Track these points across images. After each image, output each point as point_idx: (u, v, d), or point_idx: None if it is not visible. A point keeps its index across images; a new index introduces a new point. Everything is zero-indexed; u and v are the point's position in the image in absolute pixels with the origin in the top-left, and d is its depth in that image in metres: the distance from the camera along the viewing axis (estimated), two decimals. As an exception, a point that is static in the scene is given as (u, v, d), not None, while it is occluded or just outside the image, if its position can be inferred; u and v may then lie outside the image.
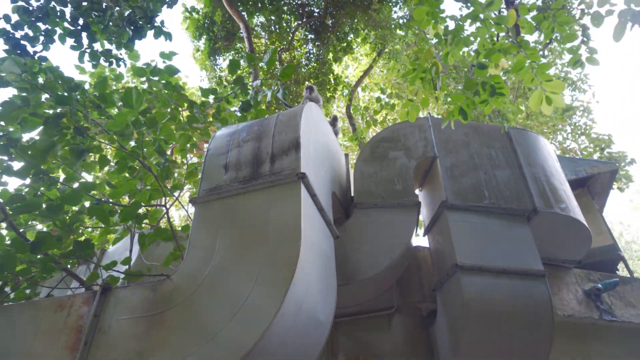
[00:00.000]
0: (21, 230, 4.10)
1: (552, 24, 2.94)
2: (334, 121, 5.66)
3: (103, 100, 3.68)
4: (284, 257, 2.99)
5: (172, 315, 3.02)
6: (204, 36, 11.84)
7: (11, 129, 4.34)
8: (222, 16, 11.56)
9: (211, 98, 5.27)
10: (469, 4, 2.94)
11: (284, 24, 11.99)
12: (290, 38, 12.00)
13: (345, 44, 11.36)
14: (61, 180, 4.34)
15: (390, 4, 10.29)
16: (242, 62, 11.70)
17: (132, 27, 4.96)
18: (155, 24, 5.10)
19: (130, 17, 4.92)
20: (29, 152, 4.09)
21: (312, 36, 11.86)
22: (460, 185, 4.95)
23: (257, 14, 11.71)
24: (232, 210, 3.47)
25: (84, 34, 4.82)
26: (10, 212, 4.13)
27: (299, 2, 11.68)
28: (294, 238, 3.07)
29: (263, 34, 12.46)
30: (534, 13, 3.51)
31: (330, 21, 11.53)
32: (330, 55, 11.42)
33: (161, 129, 3.93)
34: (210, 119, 5.12)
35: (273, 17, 11.77)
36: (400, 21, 10.58)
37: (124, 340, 3.01)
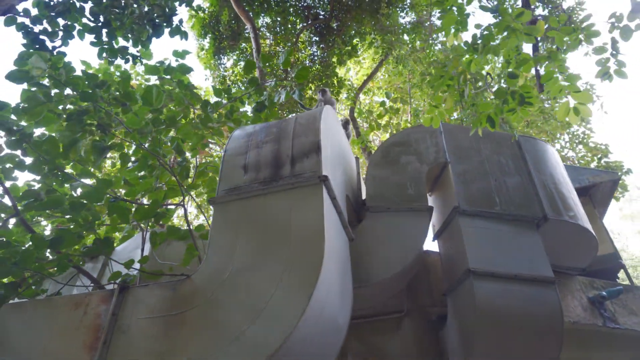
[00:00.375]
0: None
1: (580, 36, 2.99)
2: (345, 124, 5.67)
3: (127, 98, 3.66)
4: (309, 259, 3.00)
5: (193, 315, 3.01)
6: (209, 35, 11.81)
7: (23, 123, 4.31)
8: (227, 16, 11.54)
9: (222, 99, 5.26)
10: (497, 14, 2.99)
11: (289, 26, 12.01)
12: (295, 40, 12.01)
13: (350, 48, 11.41)
14: (72, 177, 4.30)
15: (398, 9, 10.34)
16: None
17: (152, 25, 4.94)
18: (173, 23, 5.09)
19: (150, 15, 4.90)
20: (43, 148, 4.07)
21: (317, 38, 11.89)
22: (472, 191, 4.99)
23: (263, 14, 11.72)
24: (252, 212, 3.47)
25: (104, 31, 4.79)
26: (21, 208, 4.10)
27: (305, 4, 11.70)
28: (318, 240, 3.08)
29: (268, 34, 12.46)
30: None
31: (335, 24, 11.56)
32: (335, 59, 11.45)
33: (179, 128, 3.91)
34: (223, 119, 5.11)
35: (279, 19, 11.79)
36: (408, 26, 10.65)
37: (144, 340, 2.99)
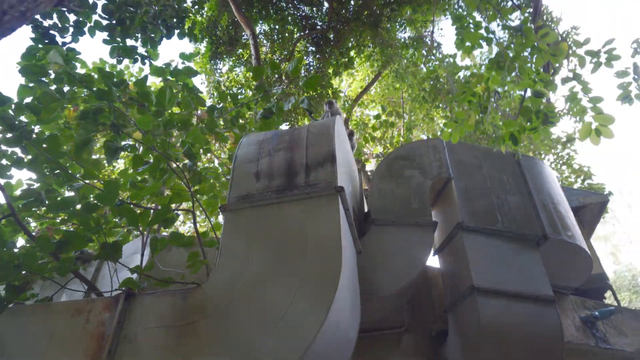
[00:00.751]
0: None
1: (601, 60, 3.08)
2: (350, 135, 5.68)
3: (145, 99, 3.56)
4: (326, 271, 2.95)
5: (205, 325, 2.91)
6: (206, 39, 11.73)
7: (23, 119, 4.15)
8: (226, 21, 11.49)
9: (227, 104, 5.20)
10: (520, 34, 3.05)
11: (287, 34, 12.03)
12: (291, 49, 12.03)
13: (346, 59, 11.49)
14: (74, 177, 4.16)
15: (397, 24, 10.48)
16: (243, 69, 11.63)
17: (166, 26, 4.85)
18: (185, 25, 5.02)
19: (162, 16, 4.82)
20: (44, 146, 3.92)
21: (313, 48, 11.94)
22: (475, 207, 5.04)
23: (261, 22, 11.71)
24: (266, 220, 3.40)
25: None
26: (19, 208, 3.93)
27: (303, 14, 11.75)
28: (335, 252, 3.04)
29: (265, 42, 12.45)
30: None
31: (332, 35, 11.64)
32: (331, 69, 11.51)
33: (189, 132, 3.83)
34: (229, 125, 5.04)
35: (277, 27, 11.80)
36: (407, 41, 10.80)
37: (153, 351, 2.88)
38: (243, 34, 12.01)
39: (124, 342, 2.95)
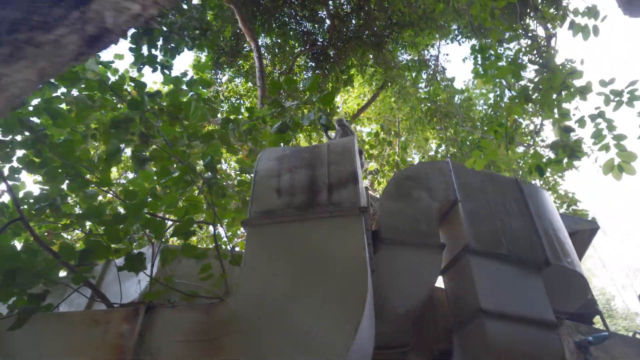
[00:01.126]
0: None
1: (623, 99, 3.26)
2: (359, 154, 5.75)
3: (178, 110, 3.55)
4: (353, 292, 2.98)
5: (230, 341, 2.90)
6: (207, 49, 11.75)
7: (36, 120, 4.10)
8: (230, 32, 11.56)
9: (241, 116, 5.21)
10: (547, 70, 3.21)
11: (287, 48, 12.16)
12: (291, 63, 12.15)
13: (346, 77, 11.66)
14: (90, 183, 4.10)
15: (399, 46, 10.73)
16: (242, 80, 11.65)
17: (191, 38, 4.87)
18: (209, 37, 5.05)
19: (187, 28, 4.83)
20: (59, 150, 3.87)
21: (313, 64, 12.08)
22: (480, 230, 5.15)
23: (264, 35, 11.82)
24: (290, 237, 3.42)
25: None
26: (33, 212, 3.86)
27: (305, 29, 11.92)
28: (361, 272, 3.08)
29: (266, 55, 12.55)
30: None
31: (332, 52, 11.82)
32: (330, 86, 11.66)
33: (210, 144, 3.84)
34: (243, 138, 5.06)
35: (279, 40, 11.92)
36: (408, 62, 11.06)
37: (176, 365, 2.84)
38: (245, 45, 12.09)
39: (145, 354, 2.91)
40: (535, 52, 3.60)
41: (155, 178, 3.67)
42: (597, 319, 8.25)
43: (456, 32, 10.58)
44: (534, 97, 3.34)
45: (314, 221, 3.48)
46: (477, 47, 3.71)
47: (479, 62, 4.00)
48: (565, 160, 3.28)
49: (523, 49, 3.52)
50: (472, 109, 11.06)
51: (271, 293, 3.07)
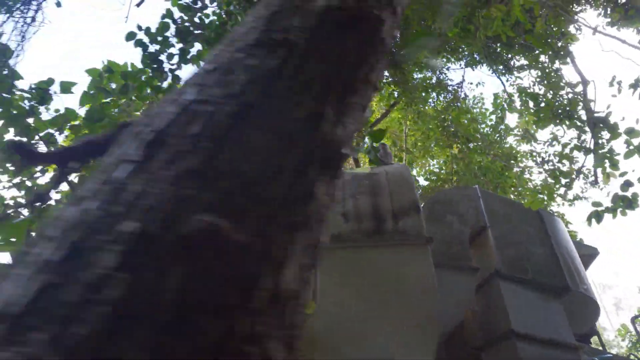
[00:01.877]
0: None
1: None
2: (383, 148, 6.01)
3: None
4: (428, 318, 3.26)
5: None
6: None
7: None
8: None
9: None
10: (603, 124, 3.58)
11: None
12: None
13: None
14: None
15: (416, 69, 11.06)
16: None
17: None
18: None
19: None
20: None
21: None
22: (508, 256, 5.51)
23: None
24: (360, 262, 3.68)
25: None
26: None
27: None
28: (433, 301, 3.36)
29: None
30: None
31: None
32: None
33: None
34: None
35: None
36: (422, 82, 11.40)
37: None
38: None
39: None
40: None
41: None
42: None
43: (467, 56, 11.01)
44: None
45: (383, 248, 3.75)
46: (528, 90, 4.08)
47: (519, 101, 4.37)
48: (621, 210, 3.67)
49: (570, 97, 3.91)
50: (501, 140, 11.56)
51: (345, 316, 3.32)
